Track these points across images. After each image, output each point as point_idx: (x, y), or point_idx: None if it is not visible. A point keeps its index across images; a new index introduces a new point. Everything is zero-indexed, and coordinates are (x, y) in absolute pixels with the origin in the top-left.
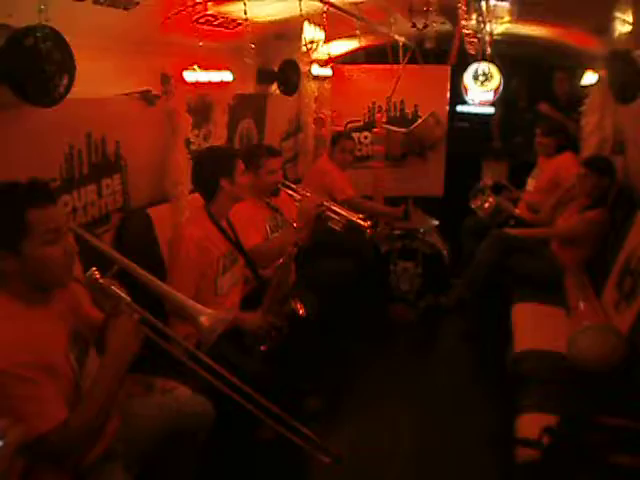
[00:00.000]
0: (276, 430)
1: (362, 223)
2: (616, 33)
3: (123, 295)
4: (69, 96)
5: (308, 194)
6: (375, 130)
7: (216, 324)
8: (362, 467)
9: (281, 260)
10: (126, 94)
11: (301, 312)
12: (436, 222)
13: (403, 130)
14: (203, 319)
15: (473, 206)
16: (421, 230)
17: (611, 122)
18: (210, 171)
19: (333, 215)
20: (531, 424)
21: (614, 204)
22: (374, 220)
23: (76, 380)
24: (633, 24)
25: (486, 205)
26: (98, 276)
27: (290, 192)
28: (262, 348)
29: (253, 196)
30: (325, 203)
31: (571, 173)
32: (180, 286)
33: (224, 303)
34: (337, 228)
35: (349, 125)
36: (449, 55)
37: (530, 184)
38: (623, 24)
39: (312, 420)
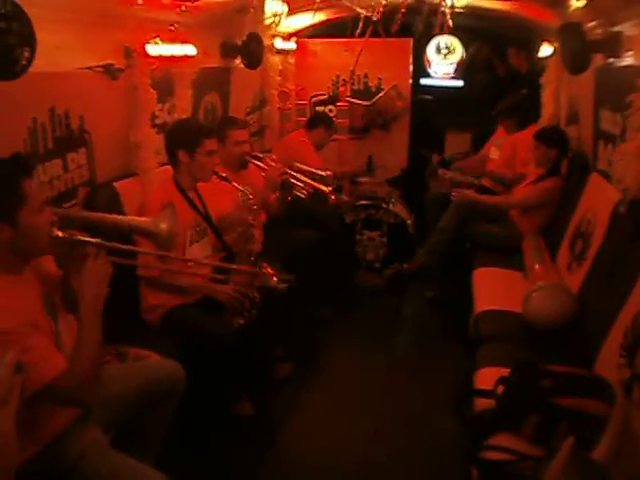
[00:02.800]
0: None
1: (323, 188)
2: (571, 7)
3: (89, 239)
4: (31, 70)
5: (273, 163)
6: (339, 103)
7: (164, 220)
8: (333, 426)
9: (239, 229)
10: (89, 68)
11: (274, 281)
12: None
13: (365, 103)
14: (163, 226)
15: (432, 187)
16: (386, 199)
17: (566, 93)
18: (171, 141)
19: (297, 182)
20: (487, 377)
21: (569, 172)
22: (336, 185)
23: (55, 341)
24: None
25: (444, 182)
26: (60, 233)
27: (257, 163)
28: (240, 322)
29: (224, 167)
30: (288, 170)
31: (526, 147)
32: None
33: (195, 273)
34: (303, 196)
35: (314, 99)
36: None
37: (494, 153)
38: None
39: (283, 385)
